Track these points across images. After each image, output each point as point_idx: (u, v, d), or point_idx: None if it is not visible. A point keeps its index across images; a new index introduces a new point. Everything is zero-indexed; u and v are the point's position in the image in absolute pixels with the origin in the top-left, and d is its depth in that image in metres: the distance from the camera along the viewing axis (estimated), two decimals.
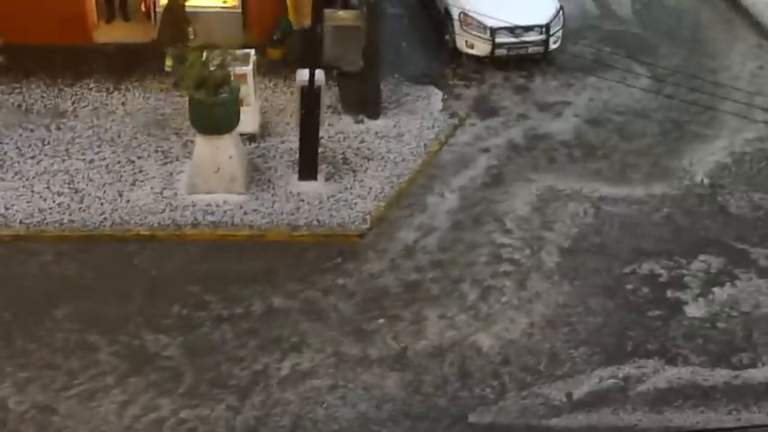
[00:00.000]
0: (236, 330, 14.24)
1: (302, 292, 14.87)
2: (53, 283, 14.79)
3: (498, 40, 19.34)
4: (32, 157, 16.87)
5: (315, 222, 15.95)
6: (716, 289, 15.27)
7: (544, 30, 19.49)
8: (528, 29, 19.43)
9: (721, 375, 14.01)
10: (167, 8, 17.98)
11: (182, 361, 13.76)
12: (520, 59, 19.77)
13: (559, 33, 19.76)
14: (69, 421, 12.94)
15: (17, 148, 17.04)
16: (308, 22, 18.20)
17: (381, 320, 14.48)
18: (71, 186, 16.34)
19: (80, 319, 14.24)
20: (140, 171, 16.72)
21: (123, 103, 18.09)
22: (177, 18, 17.70)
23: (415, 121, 18.19)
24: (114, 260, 15.22)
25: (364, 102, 18.11)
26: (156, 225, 15.71)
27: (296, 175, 16.73)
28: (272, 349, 14.00)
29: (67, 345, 13.89)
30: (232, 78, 15.80)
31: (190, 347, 13.96)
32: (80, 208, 15.95)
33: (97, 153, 17.03)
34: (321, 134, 16.73)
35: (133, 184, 16.44)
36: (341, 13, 19.15)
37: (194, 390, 13.43)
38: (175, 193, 16.31)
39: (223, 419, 13.09)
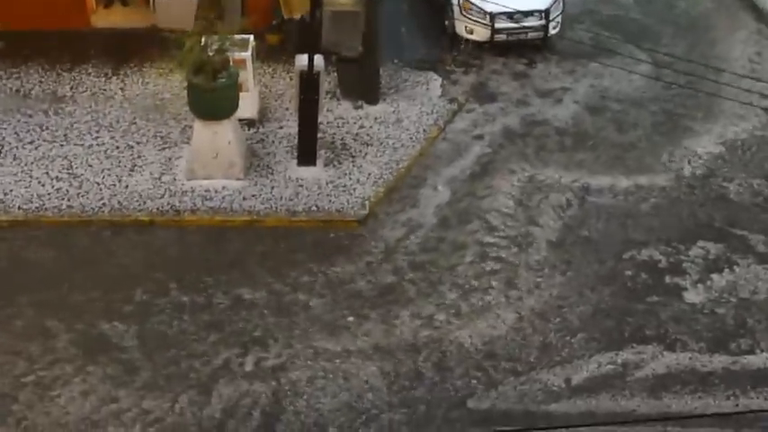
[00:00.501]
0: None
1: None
2: (23, 269, 14.73)
3: (498, 25, 19.29)
4: (31, 143, 16.85)
5: (314, 208, 15.94)
6: (714, 275, 15.29)
7: (544, 15, 19.44)
8: (527, 14, 19.38)
9: (720, 361, 14.04)
10: None
11: (137, 355, 13.65)
12: (519, 45, 19.73)
13: (559, 19, 19.72)
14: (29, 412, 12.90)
15: (15, 133, 17.01)
16: (296, 13, 18.17)
17: (351, 318, 14.37)
18: (70, 172, 16.32)
19: (43, 305, 14.19)
20: (139, 156, 16.70)
21: (122, 89, 18.06)
22: (212, 4, 17.50)
23: (414, 107, 18.16)
24: (91, 246, 15.16)
25: (363, 87, 18.07)
26: (154, 211, 15.71)
27: (295, 161, 16.72)
28: (233, 342, 13.93)
29: (27, 331, 13.84)
30: (231, 63, 15.77)
31: (147, 335, 13.88)
32: (78, 193, 15.94)
33: (96, 138, 17.00)
34: (320, 120, 16.70)
35: (132, 170, 16.42)
36: None
37: (153, 381, 13.37)
38: (174, 179, 16.29)
39: (189, 412, 13.03)
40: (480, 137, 17.73)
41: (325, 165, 16.75)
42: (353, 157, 16.95)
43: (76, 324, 13.99)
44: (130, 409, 12.99)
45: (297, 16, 18.26)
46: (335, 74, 18.46)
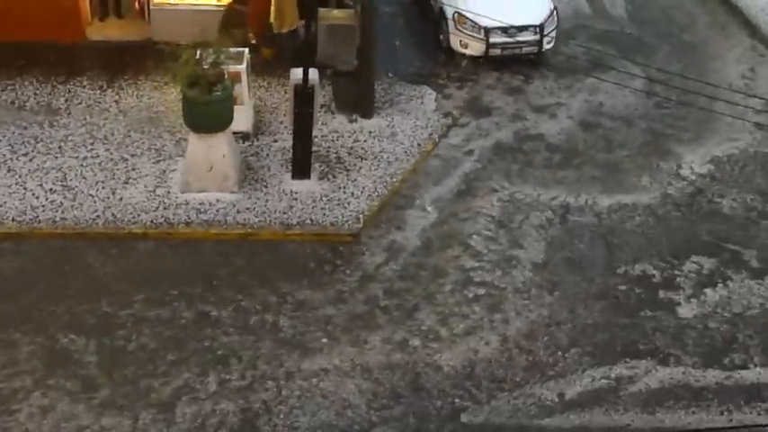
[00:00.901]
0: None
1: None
2: None
3: (492, 39, 19.35)
4: (25, 155, 16.84)
5: (308, 221, 15.94)
6: (708, 290, 15.31)
7: (538, 30, 19.51)
8: (522, 29, 19.44)
9: (713, 376, 14.06)
10: (225, 14, 17.91)
11: (98, 372, 13.56)
12: (514, 60, 19.77)
13: (553, 33, 19.77)
14: None
15: (10, 145, 17.00)
16: (286, 27, 18.20)
17: (324, 340, 14.28)
18: (64, 184, 16.31)
19: (7, 316, 14.11)
20: (133, 169, 16.69)
21: (117, 101, 18.06)
22: (234, 24, 17.51)
23: (408, 121, 18.19)
24: (64, 258, 15.09)
25: (358, 101, 18.10)
26: (148, 223, 15.70)
27: (289, 174, 16.72)
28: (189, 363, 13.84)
29: None
30: (226, 77, 15.79)
31: (108, 349, 13.81)
32: (73, 206, 15.93)
33: (90, 151, 17.00)
34: (315, 133, 16.71)
35: (126, 182, 16.42)
36: (335, 11, 19.14)
37: (112, 399, 13.28)
38: (168, 192, 16.29)
39: (154, 429, 12.92)
40: (471, 152, 17.72)
41: (320, 178, 16.76)
42: (348, 170, 16.96)
43: (38, 336, 13.90)
44: (89, 427, 12.87)
45: (285, 30, 18.29)
46: (330, 87, 18.48)
